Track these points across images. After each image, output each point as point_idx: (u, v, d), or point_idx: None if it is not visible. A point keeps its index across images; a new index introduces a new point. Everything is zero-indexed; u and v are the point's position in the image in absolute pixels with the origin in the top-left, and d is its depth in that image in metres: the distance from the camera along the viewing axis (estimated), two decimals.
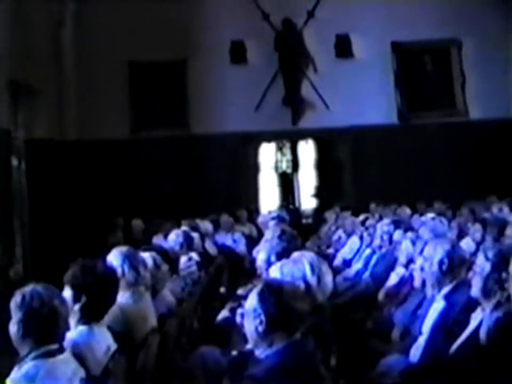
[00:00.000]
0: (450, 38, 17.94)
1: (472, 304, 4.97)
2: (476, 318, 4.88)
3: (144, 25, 17.19)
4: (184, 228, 9.93)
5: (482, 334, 4.65)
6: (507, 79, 17.70)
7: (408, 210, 12.97)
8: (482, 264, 4.81)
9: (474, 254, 7.87)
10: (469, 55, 17.96)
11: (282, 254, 5.55)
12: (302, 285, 4.45)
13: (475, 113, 17.87)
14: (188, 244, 8.54)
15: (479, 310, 4.87)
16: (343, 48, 17.91)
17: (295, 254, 5.04)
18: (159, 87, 17.81)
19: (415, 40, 17.71)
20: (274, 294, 3.82)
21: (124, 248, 5.75)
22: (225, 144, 17.36)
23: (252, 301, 3.86)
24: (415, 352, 5.34)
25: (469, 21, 17.47)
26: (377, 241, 9.47)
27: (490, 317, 4.65)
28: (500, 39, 17.52)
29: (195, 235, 9.16)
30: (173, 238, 8.55)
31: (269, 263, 5.61)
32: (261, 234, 11.37)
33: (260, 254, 6.00)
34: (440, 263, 5.41)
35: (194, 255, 8.50)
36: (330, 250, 12.12)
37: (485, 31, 17.45)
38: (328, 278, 4.79)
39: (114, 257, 5.55)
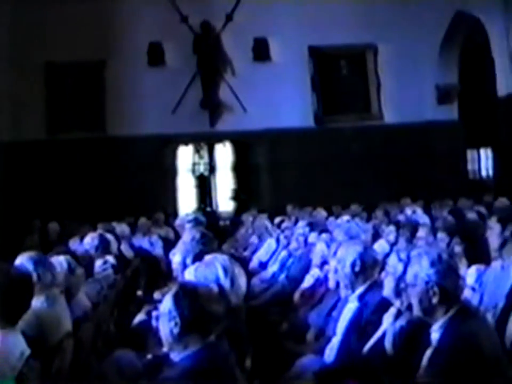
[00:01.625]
0: (366, 43, 18.23)
1: (385, 305, 5.06)
2: (387, 318, 4.97)
3: (62, 25, 16.99)
4: (100, 230, 9.85)
5: (388, 343, 4.74)
6: (421, 84, 18.03)
7: (324, 213, 13.11)
8: (395, 265, 4.90)
9: (388, 255, 8.01)
10: (384, 60, 18.27)
11: (198, 257, 5.56)
12: (215, 288, 4.46)
13: (389, 117, 18.19)
14: (103, 246, 8.47)
15: (391, 310, 4.96)
16: (260, 51, 18.01)
17: (208, 257, 5.06)
18: (77, 88, 17.65)
19: (332, 44, 17.93)
20: (189, 297, 3.83)
21: (34, 253, 5.68)
22: (142, 146, 17.27)
23: (166, 304, 3.87)
24: (330, 353, 5.39)
25: (385, 27, 17.75)
26: (293, 244, 9.56)
27: (394, 326, 4.74)
28: (414, 45, 17.81)
29: (111, 238, 9.09)
30: (89, 241, 8.47)
31: (184, 266, 5.62)
32: (178, 237, 11.34)
33: (176, 257, 6.01)
34: (353, 264, 5.48)
35: (110, 258, 8.43)
36: (247, 253, 12.16)
37: (400, 37, 17.75)
38: (241, 280, 4.82)
39: (27, 262, 5.48)
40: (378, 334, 5.00)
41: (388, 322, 4.94)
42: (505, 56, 14.77)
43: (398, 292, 4.78)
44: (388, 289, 4.88)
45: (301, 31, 17.68)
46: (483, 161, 22.46)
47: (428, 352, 4.08)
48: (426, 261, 4.10)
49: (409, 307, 4.29)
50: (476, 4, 15.75)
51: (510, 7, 14.51)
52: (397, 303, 4.75)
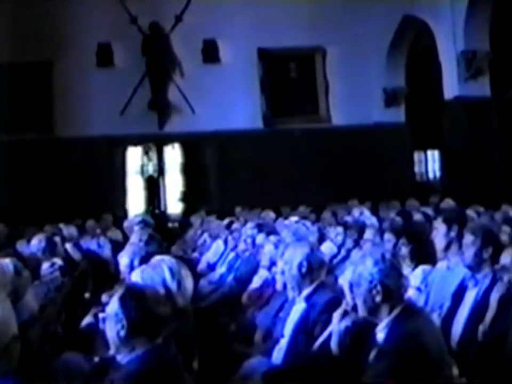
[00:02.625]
0: (315, 46, 18.34)
1: (332, 305, 5.10)
2: (337, 317, 5.01)
3: (9, 25, 16.79)
4: (47, 232, 9.77)
5: (334, 344, 4.78)
6: (368, 86, 18.19)
7: (272, 214, 13.14)
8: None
9: (336, 256, 8.10)
10: (332, 63, 18.39)
11: (145, 259, 5.56)
12: (162, 290, 4.46)
13: (337, 119, 18.32)
14: (50, 249, 8.41)
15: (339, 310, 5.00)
16: (210, 53, 18.02)
17: (155, 259, 5.06)
18: (24, 89, 17.41)
19: (281, 47, 18.00)
20: (135, 299, 3.82)
21: None
22: (91, 148, 17.15)
23: (113, 306, 3.85)
24: (278, 354, 5.41)
25: (333, 29, 17.89)
26: (241, 245, 9.58)
27: (339, 326, 4.78)
28: (362, 48, 17.99)
29: (58, 240, 9.02)
30: (35, 243, 8.41)
31: (132, 268, 5.61)
32: (126, 239, 11.30)
33: (123, 259, 6.00)
34: (300, 266, 5.50)
35: (57, 261, 8.36)
36: (196, 254, 12.16)
37: (348, 40, 17.90)
38: (188, 282, 4.82)
39: None
40: (325, 334, 5.03)
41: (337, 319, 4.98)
42: (452, 60, 14.95)
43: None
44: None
45: (250, 33, 17.73)
46: (430, 163, 22.77)
47: (373, 352, 4.13)
48: (370, 261, 4.18)
49: (355, 308, 4.34)
50: (423, 7, 15.93)
51: (457, 11, 14.69)
52: (343, 304, 4.80)
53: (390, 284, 4.13)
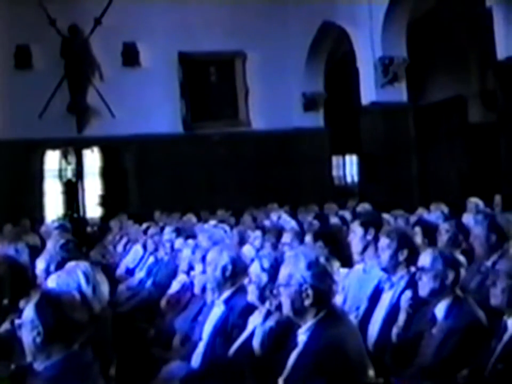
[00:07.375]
0: (235, 51, 18.40)
1: (251, 309, 5.14)
2: (253, 321, 5.05)
3: None
4: None
5: (256, 344, 4.81)
6: (288, 91, 18.34)
7: (192, 218, 13.14)
8: (258, 274, 4.98)
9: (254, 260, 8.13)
10: (253, 67, 18.48)
11: (62, 264, 5.52)
12: (77, 295, 4.42)
13: (257, 123, 18.41)
14: None
15: (256, 313, 5.04)
16: (130, 56, 17.94)
17: (70, 264, 5.03)
18: None
19: (201, 51, 18.00)
20: (51, 305, 3.77)
21: None
22: (8, 151, 16.87)
23: (29, 312, 3.79)
24: (196, 358, 5.42)
25: (254, 34, 17.98)
26: (160, 250, 9.58)
27: (264, 326, 4.82)
28: (282, 53, 18.13)
29: None
30: None
31: (48, 273, 5.56)
32: (44, 244, 11.17)
33: (40, 264, 5.95)
34: (224, 268, 5.53)
35: None
36: (115, 259, 12.09)
37: (268, 45, 18.02)
38: (103, 287, 4.80)
39: None
40: (244, 335, 5.07)
41: (254, 324, 5.01)
42: (370, 66, 15.19)
43: (263, 299, 4.89)
44: (252, 296, 4.97)
45: (170, 37, 17.71)
46: (348, 167, 23.09)
47: (294, 354, 4.13)
48: (303, 263, 4.12)
49: (279, 307, 4.35)
50: (342, 14, 16.13)
51: (375, 18, 14.92)
52: (266, 305, 4.84)
53: (321, 289, 4.10)
